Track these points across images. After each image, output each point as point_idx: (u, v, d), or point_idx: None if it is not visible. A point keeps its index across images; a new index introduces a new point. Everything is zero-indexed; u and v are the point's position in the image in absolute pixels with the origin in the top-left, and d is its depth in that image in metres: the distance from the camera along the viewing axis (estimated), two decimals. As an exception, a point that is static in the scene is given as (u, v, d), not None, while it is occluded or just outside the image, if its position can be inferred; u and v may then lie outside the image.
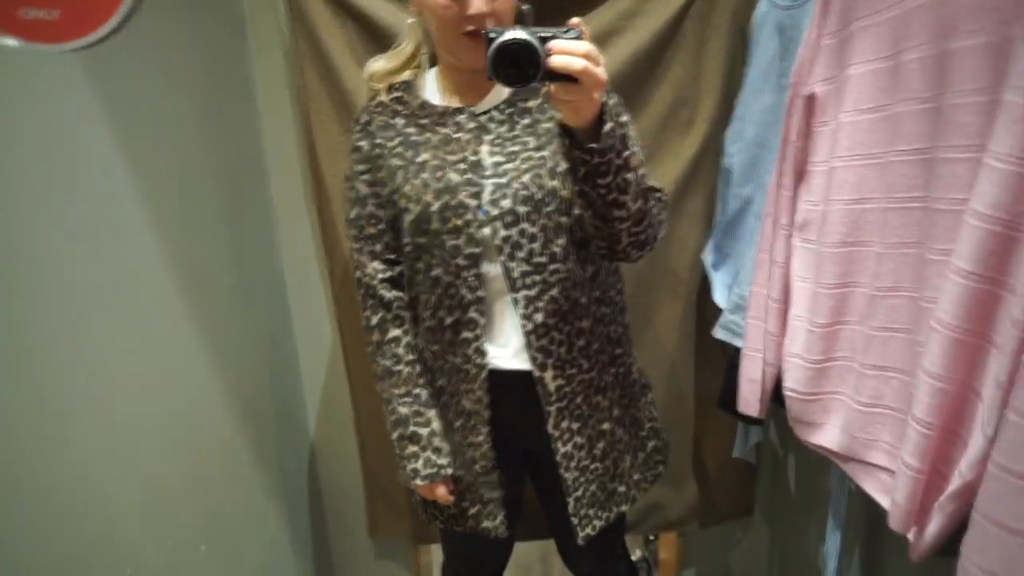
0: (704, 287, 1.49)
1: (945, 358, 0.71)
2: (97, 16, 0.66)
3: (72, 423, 0.91)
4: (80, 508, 0.91)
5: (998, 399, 0.65)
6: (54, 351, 0.89)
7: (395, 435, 1.13)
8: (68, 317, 0.92)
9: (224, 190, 1.38)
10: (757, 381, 1.11)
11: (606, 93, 0.87)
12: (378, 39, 1.38)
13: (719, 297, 1.37)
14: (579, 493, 1.13)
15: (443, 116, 1.07)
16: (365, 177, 1.10)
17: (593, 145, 0.86)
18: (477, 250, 1.03)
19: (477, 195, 1.02)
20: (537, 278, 1.03)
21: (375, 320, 1.13)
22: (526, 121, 1.06)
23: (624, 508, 1.19)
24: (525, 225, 1.02)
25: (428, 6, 1.01)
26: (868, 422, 0.90)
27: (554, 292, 1.04)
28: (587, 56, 0.80)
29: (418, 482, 1.12)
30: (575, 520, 1.13)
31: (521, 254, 1.02)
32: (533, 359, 1.06)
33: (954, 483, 0.71)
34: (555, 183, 1.02)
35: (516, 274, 1.03)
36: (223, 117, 1.39)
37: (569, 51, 0.80)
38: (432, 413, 1.12)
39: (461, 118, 1.07)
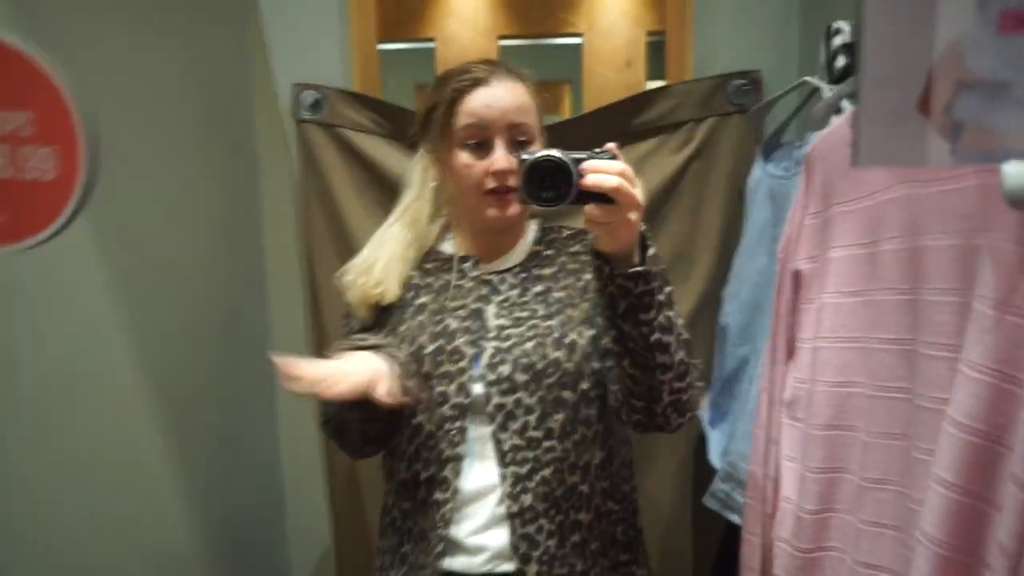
0: (701, 444, 1.43)
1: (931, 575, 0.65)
2: (39, 220, 0.69)
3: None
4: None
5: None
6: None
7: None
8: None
9: (223, 319, 1.40)
10: (756, 570, 1.04)
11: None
12: (386, 185, 1.43)
13: (715, 458, 1.31)
14: None
15: (447, 263, 1.06)
16: (347, 330, 1.08)
17: (637, 268, 0.81)
18: (465, 401, 0.96)
19: (475, 343, 0.98)
20: (530, 454, 0.95)
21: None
22: (538, 288, 1.02)
23: None
24: (522, 395, 0.95)
25: (449, 168, 1.01)
26: (861, 625, 0.83)
27: (546, 473, 0.95)
28: (622, 174, 0.78)
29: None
30: None
31: (515, 426, 0.95)
32: (515, 548, 0.94)
33: None
34: (559, 354, 0.96)
35: (507, 447, 0.95)
36: (230, 246, 1.44)
37: (603, 169, 0.78)
38: None
39: (465, 266, 1.04)
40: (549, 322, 0.99)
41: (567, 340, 0.97)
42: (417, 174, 1.09)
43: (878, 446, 0.81)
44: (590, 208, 0.80)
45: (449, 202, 1.08)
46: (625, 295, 0.83)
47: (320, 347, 1.53)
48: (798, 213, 0.95)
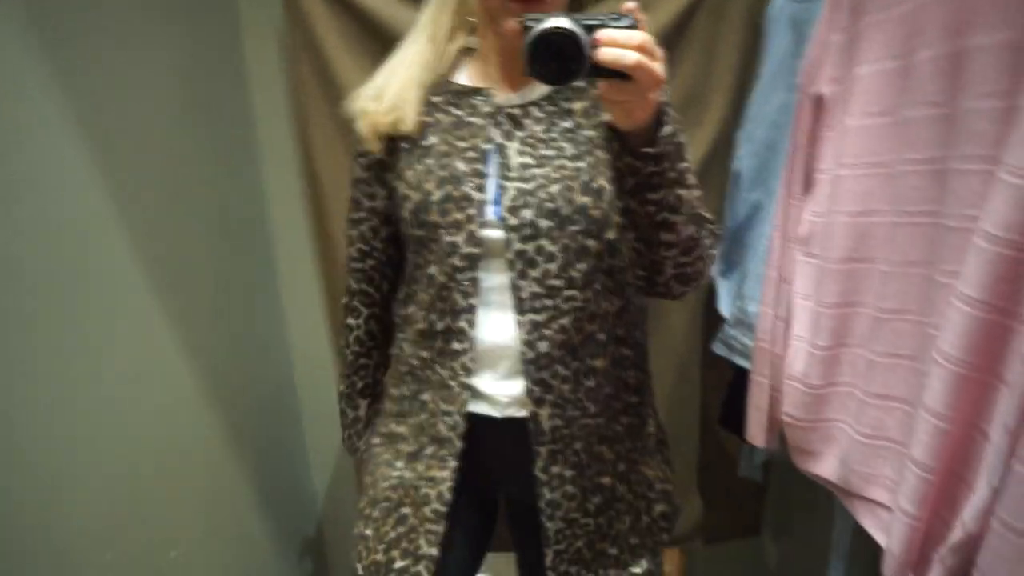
0: (712, 297, 1.41)
1: (948, 395, 0.64)
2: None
3: (40, 420, 0.88)
4: (40, 505, 0.88)
5: (1005, 445, 0.57)
6: (17, 348, 0.86)
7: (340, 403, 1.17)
8: (31, 318, 0.89)
9: (214, 186, 1.35)
10: (764, 409, 1.04)
11: (664, 93, 0.75)
12: (376, 33, 1.33)
13: (724, 307, 1.30)
14: (561, 547, 0.99)
15: (459, 96, 0.96)
16: (362, 160, 1.02)
17: (648, 150, 0.74)
18: (476, 251, 0.91)
19: (482, 189, 0.91)
20: (548, 303, 0.91)
21: (343, 300, 1.13)
22: (567, 124, 0.94)
23: (611, 574, 1.03)
24: (544, 242, 0.90)
25: None
26: (869, 455, 0.83)
27: (564, 321, 0.92)
28: (641, 48, 0.67)
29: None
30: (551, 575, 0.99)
31: (535, 273, 0.90)
32: (529, 392, 0.93)
33: (956, 534, 0.64)
34: (587, 200, 0.90)
35: (525, 294, 0.91)
36: (214, 110, 1.36)
37: (620, 42, 0.67)
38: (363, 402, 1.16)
39: (478, 100, 0.95)
40: (578, 163, 0.91)
41: (595, 185, 0.90)
42: None
43: (897, 275, 0.77)
44: (604, 85, 0.70)
45: (469, 13, 0.96)
46: (634, 173, 0.77)
47: (318, 214, 1.49)
48: (823, 31, 0.87)
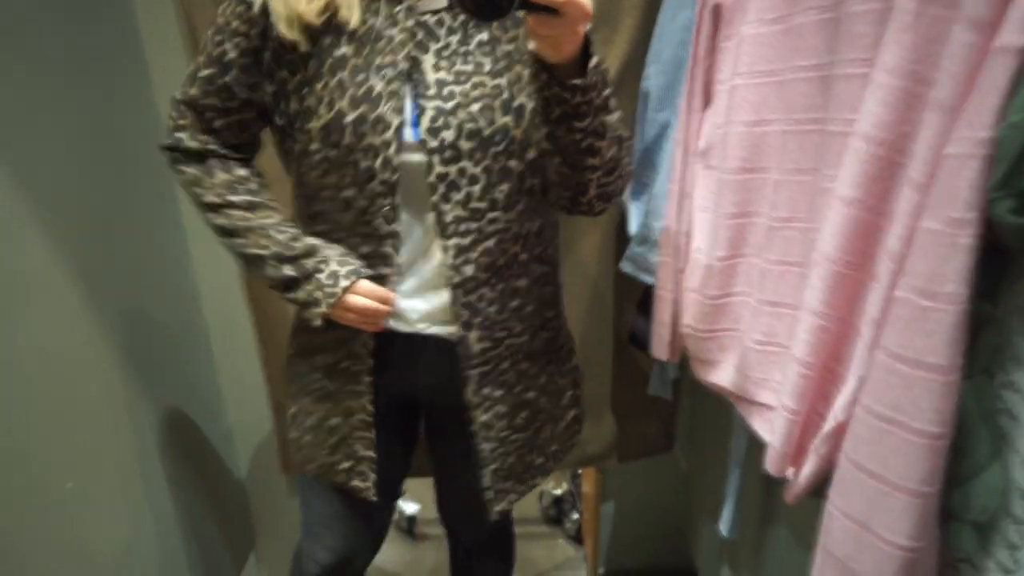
0: (623, 218, 1.43)
1: (826, 292, 0.67)
2: None
3: None
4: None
5: (870, 337, 0.60)
6: None
7: (280, 269, 0.92)
8: None
9: (104, 104, 1.25)
10: (667, 324, 1.07)
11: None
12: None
13: (634, 228, 1.31)
14: (496, 465, 1.02)
15: (375, 2, 0.87)
16: (240, 41, 0.88)
17: (576, 82, 0.75)
18: (393, 178, 0.87)
19: (400, 111, 0.86)
20: (473, 226, 0.89)
21: (212, 162, 0.94)
22: (483, 37, 0.88)
23: (539, 481, 1.11)
24: (466, 164, 0.87)
25: None
26: (761, 360, 0.87)
27: (490, 244, 0.91)
28: None
29: (340, 287, 0.90)
30: (489, 495, 1.03)
31: (458, 197, 0.88)
32: (457, 316, 0.93)
33: (828, 424, 0.68)
34: (507, 119, 0.86)
35: (449, 219, 0.89)
36: (95, 24, 1.25)
37: None
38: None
39: (399, 11, 0.87)
40: (497, 80, 0.87)
41: (516, 103, 0.87)
42: None
43: (788, 184, 0.79)
44: (533, 19, 0.69)
45: None
46: (561, 103, 0.78)
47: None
48: (723, -62, 0.86)
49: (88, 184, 1.21)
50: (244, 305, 1.56)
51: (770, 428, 0.85)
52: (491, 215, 0.90)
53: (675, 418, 1.72)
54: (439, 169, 0.87)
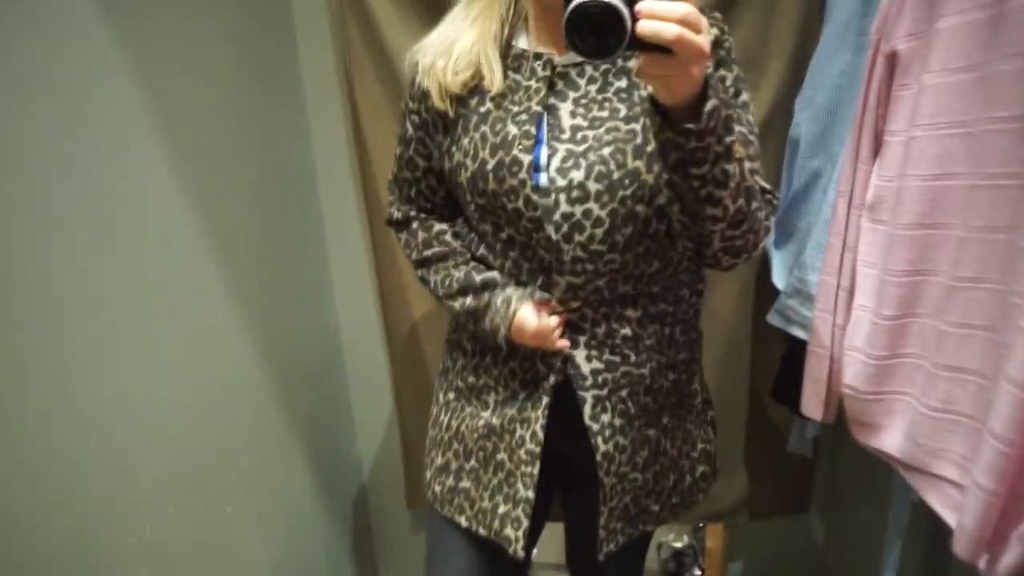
0: (764, 267, 1.38)
1: (1034, 365, 0.61)
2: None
3: (90, 384, 0.90)
4: (96, 468, 0.91)
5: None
6: (74, 313, 0.88)
7: (464, 300, 0.98)
8: (88, 282, 0.90)
9: (263, 151, 1.35)
10: (823, 381, 1.01)
11: (723, 64, 0.72)
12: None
13: (778, 279, 1.26)
14: (614, 503, 0.99)
15: (518, 60, 0.94)
16: (414, 118, 1.00)
17: (689, 126, 0.72)
18: (537, 214, 0.89)
19: (529, 150, 0.89)
20: (589, 267, 0.91)
21: (415, 226, 1.06)
22: (622, 84, 0.91)
23: (651, 528, 1.06)
24: (592, 205, 0.88)
25: None
26: (937, 429, 0.80)
27: (600, 283, 0.92)
28: (683, 21, 0.64)
29: (512, 310, 0.93)
30: (602, 534, 1.00)
31: (580, 237, 0.89)
32: (561, 333, 0.94)
33: (1035, 510, 0.61)
34: (639, 164, 0.87)
35: (567, 257, 0.90)
36: (264, 72, 1.36)
37: (660, 15, 0.64)
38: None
39: (536, 64, 0.92)
40: (631, 125, 0.88)
41: (649, 148, 0.87)
42: None
43: (976, 241, 0.73)
44: (644, 59, 0.67)
45: None
46: (677, 148, 0.75)
47: (366, 177, 1.49)
48: (900, -16, 0.82)
49: (256, 224, 1.31)
50: (382, 343, 1.62)
51: (951, 506, 0.78)
52: (608, 256, 0.90)
53: (812, 478, 1.62)
54: (564, 208, 0.89)
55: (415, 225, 1.07)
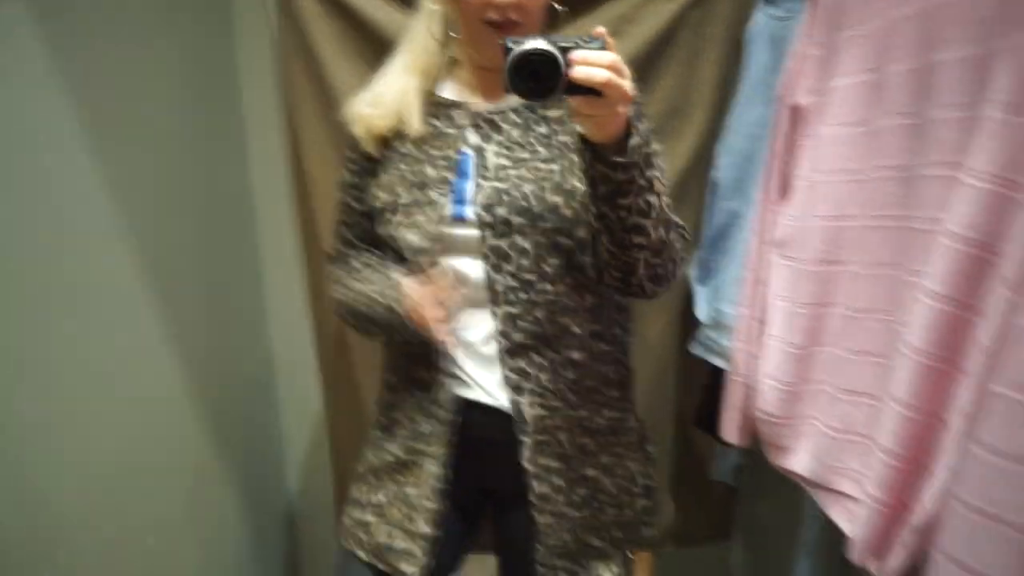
0: (690, 301, 1.45)
1: (913, 384, 0.68)
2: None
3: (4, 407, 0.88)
4: (6, 493, 0.88)
5: (963, 428, 0.61)
6: (11, 339, 0.86)
7: (361, 295, 1.02)
8: (10, 301, 0.89)
9: (203, 182, 1.36)
10: (739, 408, 1.08)
11: (637, 119, 0.82)
12: (369, 37, 1.36)
13: (701, 312, 1.34)
14: (551, 541, 1.02)
15: (439, 108, 1.03)
16: (352, 166, 1.08)
17: (618, 159, 0.81)
18: (428, 245, 0.97)
19: (444, 194, 0.97)
20: (523, 296, 0.96)
21: (350, 258, 1.10)
22: (542, 130, 1.00)
23: (596, 566, 1.06)
24: (517, 237, 0.95)
25: None
26: (838, 448, 0.87)
27: (538, 313, 0.97)
28: (612, 67, 0.75)
29: (395, 281, 0.97)
30: (542, 571, 1.02)
31: (509, 267, 0.96)
32: (507, 379, 0.98)
33: (917, 516, 0.68)
34: (558, 199, 0.95)
35: (500, 287, 0.96)
36: (205, 108, 1.38)
37: (592, 62, 0.74)
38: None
39: (455, 112, 1.02)
40: (551, 165, 0.97)
41: (567, 185, 0.95)
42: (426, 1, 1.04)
43: (867, 276, 0.82)
44: (577, 101, 0.76)
45: (452, 29, 1.03)
46: (605, 181, 0.83)
47: (305, 212, 1.50)
48: (802, 45, 0.92)
49: (188, 251, 1.30)
50: (316, 377, 1.62)
51: (851, 518, 0.85)
52: (539, 286, 0.96)
53: (734, 504, 1.69)
54: (492, 242, 0.96)
55: (351, 258, 1.10)
